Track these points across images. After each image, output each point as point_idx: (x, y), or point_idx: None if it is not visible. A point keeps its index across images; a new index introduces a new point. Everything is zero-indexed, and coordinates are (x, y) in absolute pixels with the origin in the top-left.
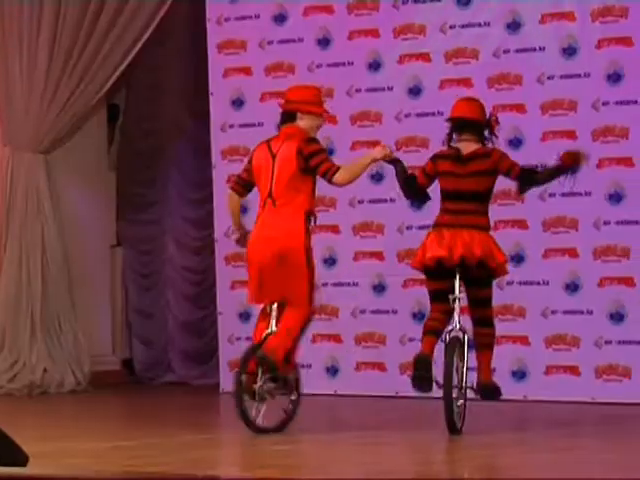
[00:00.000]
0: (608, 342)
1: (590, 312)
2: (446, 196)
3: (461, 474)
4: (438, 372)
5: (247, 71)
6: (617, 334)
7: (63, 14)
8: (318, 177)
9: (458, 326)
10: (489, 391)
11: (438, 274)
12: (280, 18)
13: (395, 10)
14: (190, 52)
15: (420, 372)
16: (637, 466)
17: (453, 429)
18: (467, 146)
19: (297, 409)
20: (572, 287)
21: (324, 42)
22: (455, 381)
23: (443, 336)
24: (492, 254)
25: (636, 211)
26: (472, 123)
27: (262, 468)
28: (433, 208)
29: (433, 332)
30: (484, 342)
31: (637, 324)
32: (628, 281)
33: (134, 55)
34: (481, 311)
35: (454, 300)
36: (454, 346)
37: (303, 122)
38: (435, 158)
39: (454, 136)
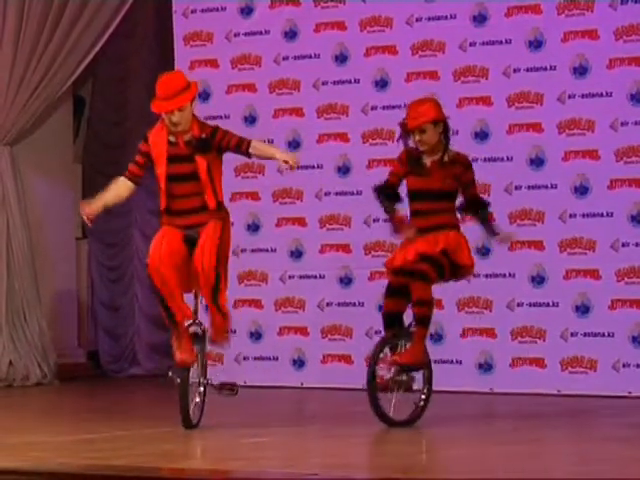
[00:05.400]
0: (574, 334)
1: (556, 304)
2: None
3: (423, 466)
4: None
5: (213, 63)
6: (582, 326)
7: (28, 4)
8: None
9: None
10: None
11: None
12: (246, 10)
13: (362, 2)
14: (157, 44)
15: None
16: (600, 457)
17: None
18: None
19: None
20: (538, 280)
21: (290, 34)
22: None
23: None
24: None
25: (601, 204)
26: None
27: (228, 461)
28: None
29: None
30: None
31: (602, 316)
32: (593, 273)
33: (100, 47)
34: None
35: None
36: None
37: None
38: None
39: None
